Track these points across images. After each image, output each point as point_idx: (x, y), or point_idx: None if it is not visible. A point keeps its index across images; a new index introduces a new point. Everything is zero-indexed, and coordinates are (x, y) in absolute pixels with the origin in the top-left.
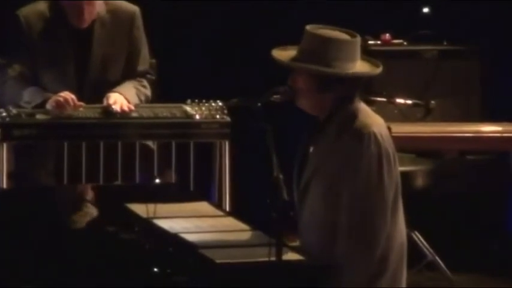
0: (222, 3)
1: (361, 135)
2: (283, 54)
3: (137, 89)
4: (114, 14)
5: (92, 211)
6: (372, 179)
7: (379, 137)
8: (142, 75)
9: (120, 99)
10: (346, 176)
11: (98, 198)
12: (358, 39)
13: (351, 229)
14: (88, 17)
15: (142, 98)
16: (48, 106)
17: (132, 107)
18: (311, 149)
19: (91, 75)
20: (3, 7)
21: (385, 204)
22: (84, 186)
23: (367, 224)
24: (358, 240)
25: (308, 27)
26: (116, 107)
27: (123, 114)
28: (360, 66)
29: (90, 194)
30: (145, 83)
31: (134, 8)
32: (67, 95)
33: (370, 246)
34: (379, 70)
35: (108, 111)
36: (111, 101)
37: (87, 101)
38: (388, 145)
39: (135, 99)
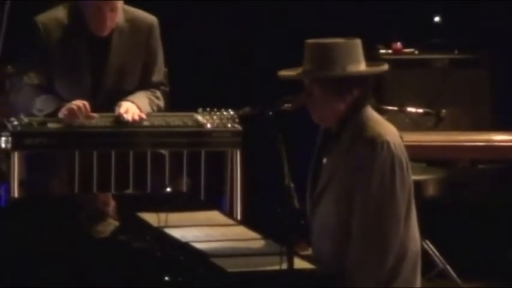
0: (233, 11)
1: (375, 144)
2: (289, 71)
3: (150, 99)
4: (133, 23)
5: (106, 220)
6: (385, 187)
7: (392, 145)
8: (157, 86)
9: (132, 108)
10: (359, 185)
11: (116, 207)
12: (358, 40)
13: (364, 237)
14: (110, 25)
15: (155, 108)
16: (61, 114)
17: (144, 116)
18: (324, 160)
19: (107, 84)
20: (20, 13)
21: (398, 213)
22: (102, 195)
23: (380, 232)
24: (370, 248)
25: (308, 41)
26: (127, 116)
27: (134, 123)
28: (367, 68)
29: (108, 203)
30: (158, 94)
31: (153, 19)
32: (80, 103)
33: (382, 255)
34: (386, 67)
35: (119, 120)
36: (122, 110)
37: (102, 110)
38: (401, 154)
39: (147, 108)
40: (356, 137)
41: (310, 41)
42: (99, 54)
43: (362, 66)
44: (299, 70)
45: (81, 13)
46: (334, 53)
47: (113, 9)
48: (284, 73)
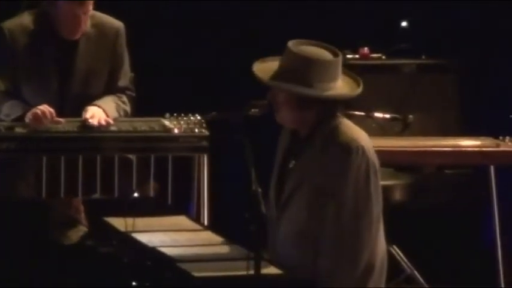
0: (200, 13)
1: (350, 149)
2: (264, 68)
3: (117, 103)
4: (100, 28)
5: (72, 224)
6: (360, 193)
7: (367, 150)
8: (122, 91)
9: (98, 113)
10: (333, 189)
11: (83, 211)
12: (340, 58)
13: (337, 243)
14: (83, 29)
15: (122, 113)
16: (26, 119)
17: (111, 121)
18: (292, 163)
19: (73, 89)
20: None
21: (371, 218)
22: (73, 201)
23: (354, 237)
24: (343, 255)
25: (290, 43)
26: (93, 121)
27: (101, 127)
28: (341, 85)
29: (80, 210)
30: (124, 98)
31: (119, 24)
32: (45, 108)
33: (354, 260)
34: (359, 90)
35: (85, 125)
36: (88, 115)
37: (69, 115)
38: (375, 159)
39: (114, 113)
40: (328, 141)
41: (291, 44)
42: (66, 59)
43: (335, 85)
44: (275, 62)
45: (48, 18)
46: (306, 67)
47: (86, 12)
48: (257, 68)
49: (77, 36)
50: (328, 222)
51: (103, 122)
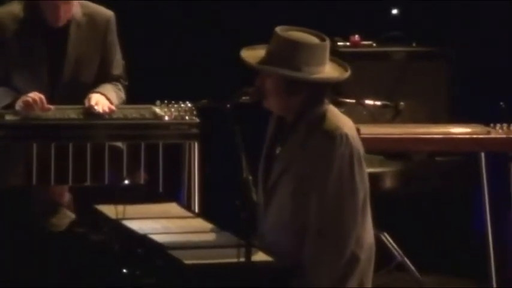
0: (191, 3)
1: (333, 137)
2: (252, 54)
3: (115, 91)
4: (90, 17)
5: (62, 212)
6: (343, 180)
7: (350, 138)
8: (117, 79)
9: (101, 100)
10: (317, 177)
11: (73, 199)
12: (327, 42)
13: (321, 230)
14: (64, 16)
15: (120, 101)
16: (17, 107)
17: (114, 108)
18: (278, 150)
19: (64, 76)
20: None
21: (355, 206)
22: (57, 188)
23: (337, 225)
24: (327, 242)
25: (278, 29)
26: (98, 108)
27: (106, 114)
28: (329, 70)
29: (65, 196)
30: (120, 86)
31: (110, 13)
32: (35, 95)
33: (339, 248)
34: (347, 74)
35: (90, 112)
36: (92, 102)
37: (59, 103)
38: (359, 147)
39: (116, 100)
40: (313, 129)
41: (278, 29)
42: (56, 48)
43: (323, 69)
44: (262, 50)
45: (37, 7)
46: (294, 51)
47: (66, 1)
48: (245, 54)
49: (60, 24)
50: (312, 210)
51: (107, 109)
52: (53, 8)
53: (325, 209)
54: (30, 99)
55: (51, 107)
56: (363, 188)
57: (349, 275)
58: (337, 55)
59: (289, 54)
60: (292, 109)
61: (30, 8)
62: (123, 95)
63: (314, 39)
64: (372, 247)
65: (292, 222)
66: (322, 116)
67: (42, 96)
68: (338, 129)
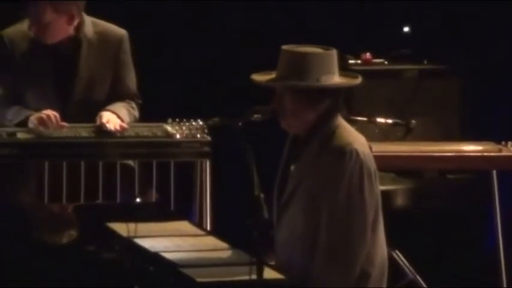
0: (204, 20)
1: (343, 153)
2: (263, 77)
3: (127, 109)
4: (103, 36)
5: (73, 230)
6: (353, 196)
7: (361, 154)
8: (130, 97)
9: (113, 118)
10: (327, 193)
11: (78, 217)
12: (334, 51)
13: (329, 247)
14: (52, 34)
15: (132, 118)
16: (30, 124)
17: (125, 126)
18: (292, 167)
19: (75, 95)
20: None
21: (365, 222)
22: (65, 205)
23: (347, 241)
24: (337, 258)
25: (285, 47)
26: (110, 126)
27: (117, 132)
28: (341, 79)
29: (71, 213)
30: (133, 105)
31: (122, 32)
32: (50, 113)
33: (349, 264)
34: (359, 80)
35: (101, 130)
36: (104, 120)
37: (71, 121)
38: (370, 162)
39: (127, 118)
40: (325, 145)
41: (285, 47)
42: (66, 66)
43: (335, 78)
44: (272, 75)
45: None
46: (307, 63)
47: (41, 13)
48: (256, 77)
49: (49, 41)
50: (321, 228)
51: (118, 127)
52: (39, 29)
53: (334, 225)
54: (44, 116)
55: (66, 124)
56: (373, 205)
57: None
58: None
59: (303, 67)
60: (309, 125)
61: None
62: (136, 113)
63: (321, 50)
64: (385, 263)
65: (303, 238)
66: (334, 132)
67: (57, 114)
68: (348, 145)
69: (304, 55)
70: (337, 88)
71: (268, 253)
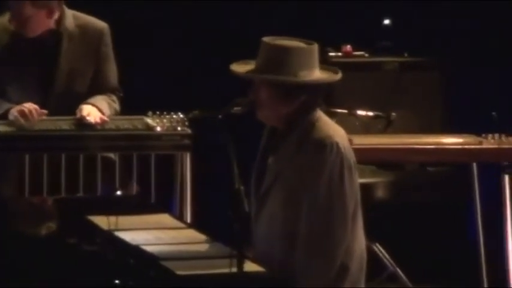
0: (183, 12)
1: (324, 145)
2: (242, 68)
3: (108, 102)
4: (83, 29)
5: (54, 223)
6: (334, 189)
7: (341, 147)
8: (111, 91)
9: (93, 111)
10: (307, 186)
11: (59, 210)
12: (316, 46)
13: (310, 240)
14: (32, 28)
15: (113, 111)
16: (11, 116)
17: (106, 119)
18: (270, 159)
19: (57, 88)
20: None
21: (346, 215)
22: (46, 198)
23: (327, 234)
24: (318, 251)
25: (265, 38)
26: (90, 119)
27: (98, 125)
28: (320, 74)
29: (51, 206)
30: (114, 98)
31: (103, 25)
32: (31, 106)
33: (329, 257)
34: (339, 76)
35: (82, 123)
36: (84, 113)
37: (52, 113)
38: (350, 156)
39: (108, 111)
40: (304, 137)
41: (266, 39)
42: (47, 59)
43: (314, 73)
44: (252, 64)
45: None
46: (286, 57)
47: (21, 9)
48: (235, 68)
49: (30, 35)
50: (302, 220)
51: (98, 120)
52: (19, 23)
53: (314, 217)
54: (25, 109)
55: (45, 111)
56: (353, 198)
57: (339, 284)
58: (329, 65)
59: (282, 61)
60: (286, 118)
61: None
62: (116, 106)
63: (302, 44)
64: (363, 257)
65: (283, 231)
66: (314, 125)
67: (37, 107)
68: (329, 137)
69: (284, 48)
70: (315, 84)
71: (249, 246)
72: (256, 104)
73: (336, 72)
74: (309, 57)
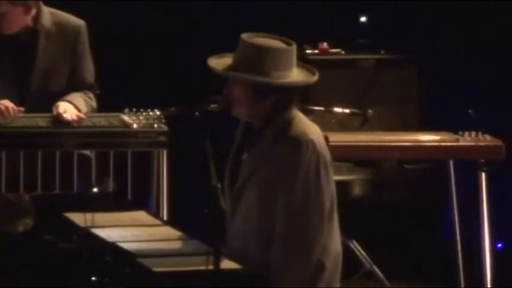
0: (159, 8)
1: (299, 143)
2: (220, 62)
3: (85, 100)
4: (60, 26)
5: (30, 220)
6: (309, 187)
7: (317, 145)
8: (88, 88)
9: (69, 108)
10: (282, 183)
11: (35, 207)
12: (294, 47)
13: (287, 237)
14: (9, 25)
15: (89, 109)
16: None
17: (82, 116)
18: (245, 155)
19: (33, 85)
20: None
21: (322, 213)
22: (22, 195)
23: (304, 231)
24: (294, 249)
25: (244, 35)
26: (67, 116)
27: (74, 122)
28: (297, 74)
29: (28, 203)
30: (91, 95)
31: (80, 22)
32: (7, 103)
33: (305, 255)
34: (315, 78)
35: (58, 120)
36: (61, 110)
37: (29, 111)
38: (326, 153)
39: (84, 108)
40: (280, 135)
41: (244, 36)
42: (24, 57)
43: (291, 73)
44: (229, 58)
45: None
46: (262, 56)
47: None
48: (211, 62)
49: (6, 32)
50: (278, 218)
51: (75, 117)
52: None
53: (290, 215)
54: (2, 106)
55: (22, 109)
56: (329, 195)
57: (316, 282)
58: (305, 63)
59: (257, 60)
60: (260, 115)
61: None
62: (93, 103)
63: (280, 44)
64: (339, 255)
65: (258, 228)
66: (289, 122)
67: (14, 106)
68: (305, 135)
69: (260, 48)
70: (288, 86)
71: (224, 243)
72: (230, 101)
73: (313, 73)
74: (285, 58)
